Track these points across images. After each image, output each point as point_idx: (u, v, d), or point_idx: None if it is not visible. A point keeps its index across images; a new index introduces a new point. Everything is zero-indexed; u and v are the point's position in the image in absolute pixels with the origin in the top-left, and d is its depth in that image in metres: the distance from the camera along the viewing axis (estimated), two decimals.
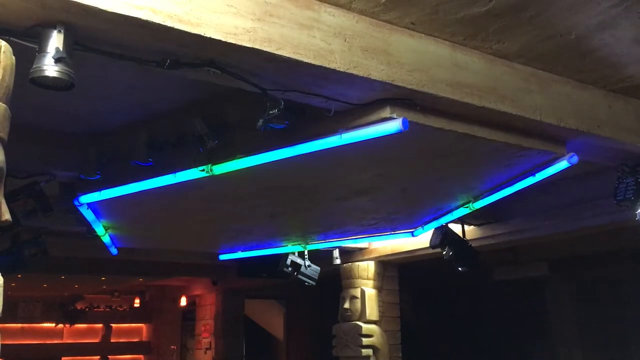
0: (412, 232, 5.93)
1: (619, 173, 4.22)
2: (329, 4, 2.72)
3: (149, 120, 4.13)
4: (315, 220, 5.46)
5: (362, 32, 2.81)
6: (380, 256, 7.88)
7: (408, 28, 2.97)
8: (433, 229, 5.67)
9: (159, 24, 2.24)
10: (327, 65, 2.64)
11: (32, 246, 5.04)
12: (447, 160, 3.90)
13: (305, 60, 2.58)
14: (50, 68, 2.21)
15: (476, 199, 4.81)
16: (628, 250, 8.13)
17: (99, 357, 14.75)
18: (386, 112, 3.00)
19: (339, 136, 3.14)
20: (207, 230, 5.95)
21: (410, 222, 5.73)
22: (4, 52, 2.06)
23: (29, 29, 2.25)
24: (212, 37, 2.35)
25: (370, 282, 7.99)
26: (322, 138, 3.20)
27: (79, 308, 14.47)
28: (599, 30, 3.08)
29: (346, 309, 7.90)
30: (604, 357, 9.25)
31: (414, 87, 2.91)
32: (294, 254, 6.65)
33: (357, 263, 8.07)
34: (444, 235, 5.62)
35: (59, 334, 14.51)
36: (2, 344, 2.12)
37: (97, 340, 14.96)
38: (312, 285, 6.90)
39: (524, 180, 4.26)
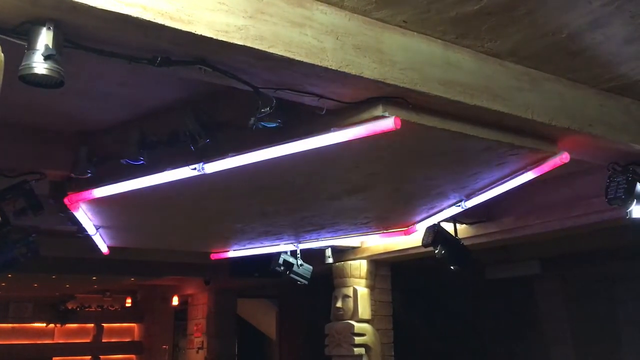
0: (404, 231, 5.94)
1: (610, 172, 4.24)
2: (320, 1, 2.71)
3: (141, 119, 4.11)
4: (307, 219, 5.45)
5: (354, 30, 2.80)
6: (372, 255, 7.88)
7: (400, 26, 2.97)
8: (425, 228, 5.68)
9: (149, 21, 2.22)
10: (319, 64, 2.63)
11: (23, 246, 5.00)
12: (439, 159, 3.91)
13: (297, 58, 2.56)
14: (39, 65, 2.19)
15: (468, 197, 4.82)
16: (619, 248, 8.18)
17: (90, 357, 14.69)
18: (378, 111, 3.00)
19: (331, 135, 3.13)
20: (199, 229, 5.94)
21: (402, 221, 5.73)
22: None
23: (18, 26, 2.23)
24: (204, 34, 2.34)
25: (363, 281, 7.99)
26: (314, 136, 3.20)
27: (70, 308, 14.41)
28: (591, 29, 3.09)
29: (338, 307, 7.90)
30: (596, 355, 9.29)
31: (407, 85, 2.90)
32: (286, 253, 6.65)
33: (349, 262, 8.06)
34: (436, 234, 5.62)
35: (50, 334, 14.44)
36: None
37: (88, 340, 14.91)
38: (304, 284, 6.90)
39: (516, 178, 4.27)
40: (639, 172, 4.16)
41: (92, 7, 2.11)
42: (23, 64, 2.21)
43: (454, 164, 4.06)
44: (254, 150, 3.41)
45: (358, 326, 7.71)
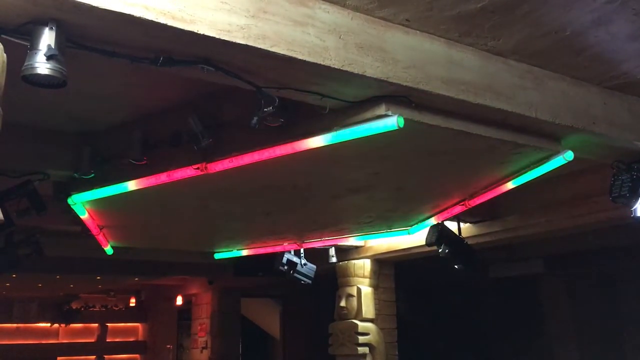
0: (408, 230, 5.93)
1: (614, 170, 4.22)
2: (323, 0, 2.71)
3: (143, 119, 4.11)
4: (310, 218, 5.44)
5: (357, 28, 2.80)
6: (376, 254, 7.87)
7: (403, 25, 2.96)
8: (429, 227, 5.67)
9: (151, 20, 2.22)
10: (322, 62, 2.63)
11: (27, 246, 5.02)
12: (442, 158, 3.90)
13: (300, 57, 2.56)
14: (42, 65, 2.19)
15: (472, 196, 4.81)
16: (623, 247, 8.15)
17: (94, 356, 14.73)
18: (381, 110, 2.99)
19: (334, 134, 3.13)
20: (203, 229, 5.94)
21: (406, 220, 5.72)
22: None
23: (21, 27, 2.23)
24: (206, 34, 2.34)
25: (367, 280, 7.99)
26: (317, 136, 3.19)
27: (74, 308, 14.43)
28: (594, 26, 3.08)
29: (342, 307, 7.89)
30: (599, 354, 9.27)
31: (409, 84, 2.90)
32: (290, 252, 6.64)
33: (353, 261, 8.06)
34: (440, 233, 5.61)
35: (54, 333, 14.47)
36: None
37: (93, 340, 14.94)
38: (308, 283, 6.90)
39: (519, 177, 4.26)
40: None
41: (94, 7, 2.11)
42: (26, 64, 2.22)
43: (457, 163, 4.05)
44: (256, 150, 3.40)
45: (362, 325, 7.71)
